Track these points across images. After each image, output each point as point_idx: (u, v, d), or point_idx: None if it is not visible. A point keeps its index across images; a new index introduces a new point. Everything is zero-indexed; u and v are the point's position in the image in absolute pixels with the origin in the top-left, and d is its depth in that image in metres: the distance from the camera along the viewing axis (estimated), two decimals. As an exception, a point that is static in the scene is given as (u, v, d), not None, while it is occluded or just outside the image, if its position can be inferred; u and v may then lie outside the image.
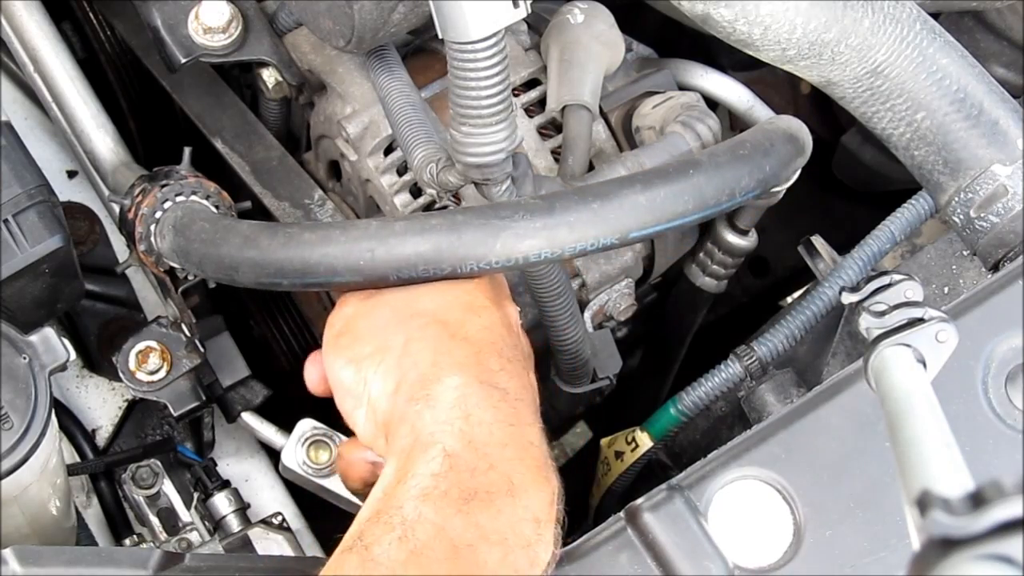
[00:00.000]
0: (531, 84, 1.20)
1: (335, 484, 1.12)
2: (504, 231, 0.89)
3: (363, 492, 0.95)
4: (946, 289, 1.14)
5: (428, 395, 0.85)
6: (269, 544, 1.17)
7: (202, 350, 1.17)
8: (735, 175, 0.96)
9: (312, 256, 0.91)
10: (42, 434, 0.93)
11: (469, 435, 0.83)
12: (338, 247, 0.91)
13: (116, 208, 1.15)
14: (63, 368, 0.96)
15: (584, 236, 0.90)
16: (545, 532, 0.82)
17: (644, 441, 1.15)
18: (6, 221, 1.03)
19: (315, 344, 1.34)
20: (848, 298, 0.99)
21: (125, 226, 1.12)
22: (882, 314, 0.86)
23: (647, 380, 1.48)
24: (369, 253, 0.90)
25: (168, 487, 1.26)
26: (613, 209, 0.91)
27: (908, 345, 0.82)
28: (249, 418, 1.23)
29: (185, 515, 1.25)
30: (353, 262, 0.90)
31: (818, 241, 1.12)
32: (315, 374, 0.97)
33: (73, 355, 0.98)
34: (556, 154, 1.16)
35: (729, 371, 1.10)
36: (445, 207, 1.14)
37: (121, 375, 1.16)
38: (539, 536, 0.81)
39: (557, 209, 0.90)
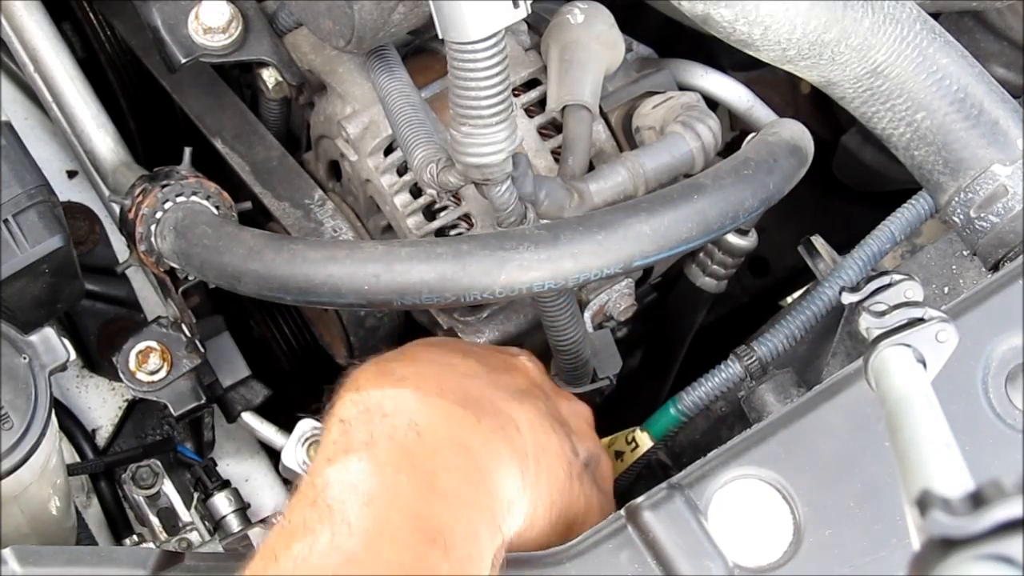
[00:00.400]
0: (531, 84, 1.20)
1: (335, 484, 1.12)
2: (509, 262, 0.90)
3: None
4: (946, 289, 1.13)
5: None
6: (269, 544, 1.16)
7: (202, 350, 1.17)
8: (739, 197, 0.96)
9: (317, 276, 0.92)
10: (42, 434, 0.93)
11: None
12: (343, 269, 0.91)
13: (116, 208, 1.15)
14: (63, 368, 0.96)
15: (588, 267, 0.91)
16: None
17: (644, 441, 1.15)
18: (6, 221, 1.03)
19: (315, 344, 1.35)
20: (848, 298, 0.99)
21: (125, 226, 1.12)
22: (882, 314, 0.86)
23: (647, 380, 1.47)
24: (374, 278, 0.91)
25: (168, 487, 1.26)
26: (617, 240, 0.91)
27: (908, 345, 0.82)
28: (249, 418, 1.23)
29: (185, 515, 1.25)
30: (357, 285, 0.91)
31: (818, 241, 1.12)
32: None
33: (73, 355, 0.98)
34: (556, 154, 1.16)
35: (729, 371, 1.10)
36: (445, 207, 1.14)
37: (121, 375, 1.16)
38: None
39: (561, 240, 0.91)
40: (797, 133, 1.05)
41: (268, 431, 1.22)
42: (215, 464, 1.26)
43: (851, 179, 1.58)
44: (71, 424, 1.28)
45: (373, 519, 0.77)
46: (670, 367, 1.44)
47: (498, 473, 0.84)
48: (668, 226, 0.93)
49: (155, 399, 1.17)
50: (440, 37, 0.90)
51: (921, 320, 0.83)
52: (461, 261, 0.90)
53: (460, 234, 1.15)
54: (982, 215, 0.98)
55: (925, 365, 0.82)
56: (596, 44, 1.16)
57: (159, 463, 1.27)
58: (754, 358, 1.08)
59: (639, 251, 0.92)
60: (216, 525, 1.23)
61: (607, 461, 1.04)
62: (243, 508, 1.23)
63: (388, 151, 1.14)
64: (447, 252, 0.91)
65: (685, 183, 0.98)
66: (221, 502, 1.22)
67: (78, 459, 1.26)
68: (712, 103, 1.23)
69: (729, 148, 1.11)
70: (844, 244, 1.11)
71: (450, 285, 0.90)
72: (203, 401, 1.18)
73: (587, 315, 1.17)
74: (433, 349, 0.96)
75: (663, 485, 0.86)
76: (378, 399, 0.84)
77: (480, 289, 0.91)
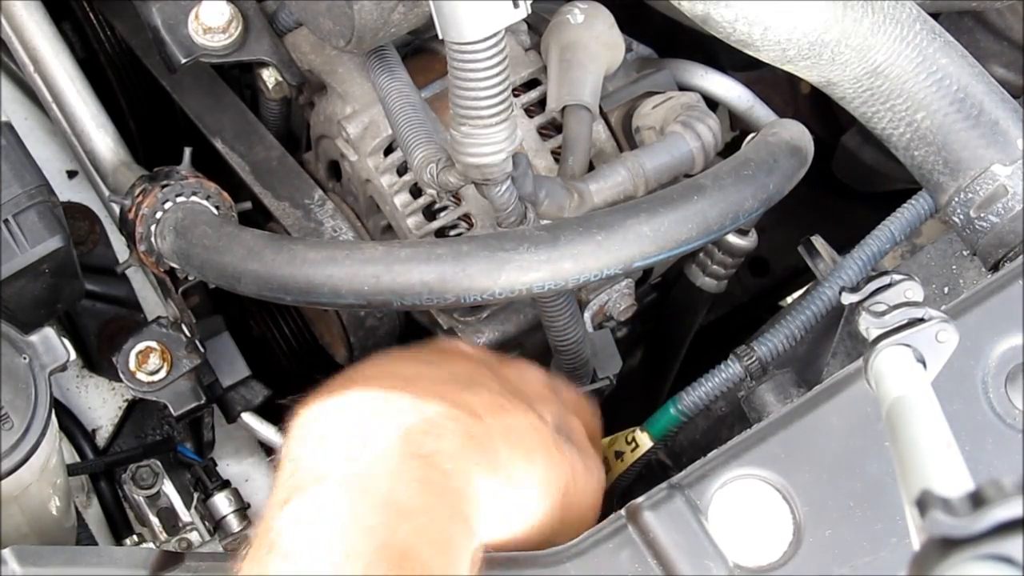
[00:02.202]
0: (531, 84, 1.20)
1: (335, 484, 1.12)
2: (508, 263, 0.90)
3: None
4: (946, 289, 1.13)
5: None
6: (269, 544, 1.16)
7: (202, 350, 1.17)
8: (739, 198, 0.97)
9: (316, 276, 0.92)
10: (42, 434, 0.93)
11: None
12: (343, 270, 0.91)
13: (116, 208, 1.15)
14: (63, 368, 0.96)
15: (587, 267, 0.91)
16: None
17: (644, 441, 1.15)
18: (6, 221, 1.03)
19: (315, 344, 1.35)
20: (848, 298, 0.99)
21: (125, 226, 1.13)
22: (882, 314, 0.86)
23: (647, 380, 1.47)
24: (374, 279, 0.91)
25: (168, 487, 1.26)
26: (617, 241, 0.92)
27: (908, 345, 0.82)
28: (249, 418, 1.23)
29: (185, 515, 1.25)
30: (357, 286, 0.91)
31: (818, 241, 1.12)
32: None
33: (73, 355, 0.98)
34: (556, 154, 1.16)
35: (729, 371, 1.09)
36: (445, 207, 1.14)
37: (121, 375, 1.16)
38: None
39: (561, 241, 0.91)
40: (797, 133, 1.06)
41: (268, 431, 1.22)
42: (215, 464, 1.26)
43: (851, 179, 1.58)
44: (71, 424, 1.28)
45: (337, 555, 0.73)
46: (670, 367, 1.44)
47: (462, 472, 0.81)
48: (668, 227, 0.93)
49: (155, 399, 1.16)
50: (440, 37, 0.90)
51: (921, 320, 0.83)
52: (461, 262, 0.90)
53: (460, 234, 1.15)
54: (982, 215, 0.98)
55: (925, 365, 0.82)
56: (596, 44, 1.16)
57: (159, 463, 1.26)
58: (754, 358, 1.08)
59: (639, 252, 0.93)
60: (216, 525, 1.23)
61: (575, 419, 1.01)
62: (243, 508, 1.23)
63: (388, 151, 1.14)
64: (447, 253, 0.91)
65: (685, 184, 0.98)
66: (221, 502, 1.22)
67: (78, 459, 1.26)
68: (712, 103, 1.23)
69: (729, 148, 1.11)
70: (844, 244, 1.11)
71: (450, 286, 0.91)
72: (203, 401, 1.18)
73: (587, 315, 1.17)
74: (371, 366, 0.92)
75: (663, 485, 0.86)
76: (322, 427, 0.81)
77: (480, 290, 0.91)
